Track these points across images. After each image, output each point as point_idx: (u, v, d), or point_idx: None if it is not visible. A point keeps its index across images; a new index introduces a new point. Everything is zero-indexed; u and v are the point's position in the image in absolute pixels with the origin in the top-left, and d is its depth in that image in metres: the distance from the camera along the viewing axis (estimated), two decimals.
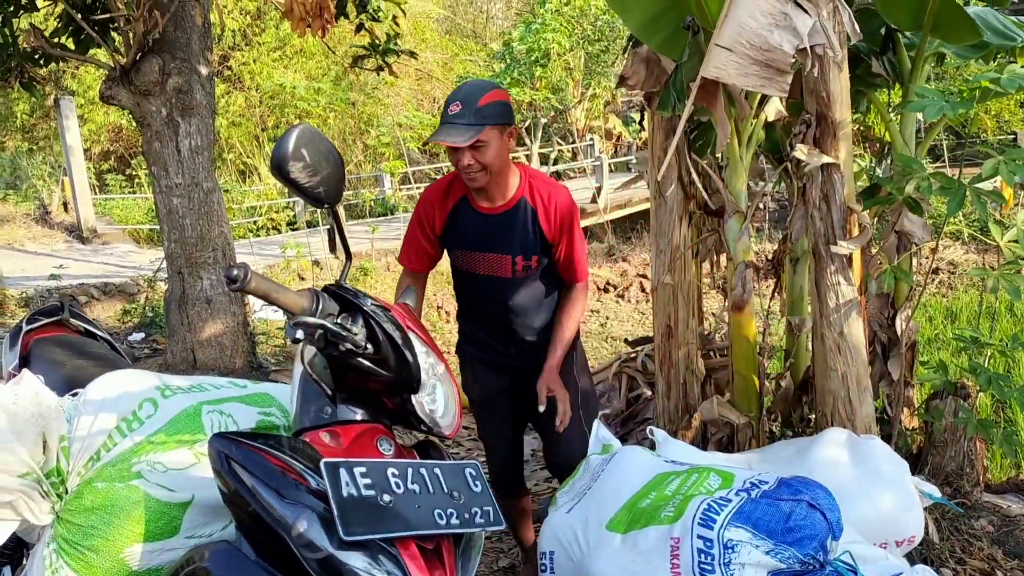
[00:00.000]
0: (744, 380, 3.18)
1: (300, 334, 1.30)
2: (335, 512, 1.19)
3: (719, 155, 3.21)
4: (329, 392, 1.41)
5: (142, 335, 7.00)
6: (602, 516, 1.83)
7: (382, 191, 18.01)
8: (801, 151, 2.65)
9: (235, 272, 1.26)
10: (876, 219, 3.55)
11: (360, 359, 1.35)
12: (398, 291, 2.55)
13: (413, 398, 1.37)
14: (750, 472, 1.83)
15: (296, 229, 14.64)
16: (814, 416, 3.26)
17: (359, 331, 1.36)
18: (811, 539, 1.65)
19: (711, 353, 3.88)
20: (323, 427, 1.38)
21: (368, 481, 1.25)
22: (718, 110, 2.53)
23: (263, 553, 1.29)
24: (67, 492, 1.49)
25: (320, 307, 1.36)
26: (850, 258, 2.74)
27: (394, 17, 6.17)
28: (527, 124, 14.99)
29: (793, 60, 2.32)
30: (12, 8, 5.32)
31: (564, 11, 14.36)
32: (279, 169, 1.36)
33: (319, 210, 12.38)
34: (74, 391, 1.63)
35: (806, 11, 2.29)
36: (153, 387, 1.58)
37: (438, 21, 24.81)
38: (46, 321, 2.23)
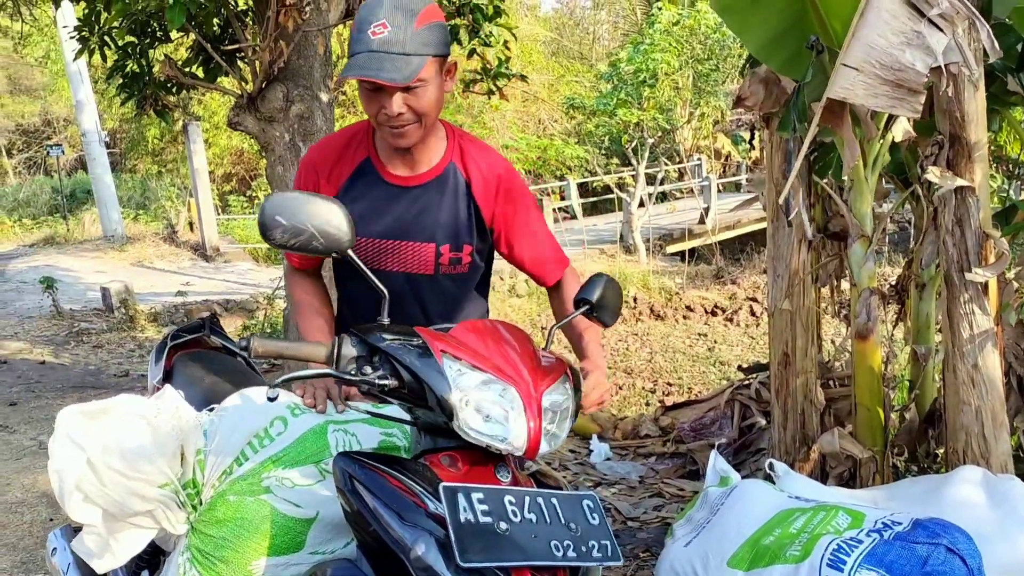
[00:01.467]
0: (868, 412, 3.04)
1: (275, 393, 1.35)
2: (452, 537, 1.19)
3: (845, 177, 3.09)
4: (410, 423, 1.42)
5: None
6: (723, 552, 1.77)
7: None
8: (933, 174, 2.52)
9: (242, 343, 1.35)
10: (1011, 243, 3.34)
11: (392, 396, 1.36)
12: (292, 302, 2.04)
13: (454, 424, 1.31)
14: (882, 512, 1.74)
15: None
16: (943, 452, 3.08)
17: (381, 369, 1.35)
18: None
19: (830, 382, 3.73)
20: (440, 452, 1.39)
21: (485, 508, 1.25)
22: (844, 131, 2.44)
23: (382, 573, 1.31)
24: (201, 503, 1.54)
25: (341, 352, 1.37)
26: (985, 286, 2.58)
27: (505, 42, 6.24)
28: (633, 144, 14.88)
29: (926, 79, 2.22)
30: (148, 40, 5.66)
31: (674, 31, 14.24)
32: (264, 236, 1.47)
33: None
34: (211, 406, 1.70)
35: (941, 29, 2.18)
36: (284, 405, 1.63)
37: (545, 43, 25.04)
38: (188, 338, 2.34)
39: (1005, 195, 4.28)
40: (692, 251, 14.67)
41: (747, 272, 12.89)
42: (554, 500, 1.34)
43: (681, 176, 19.67)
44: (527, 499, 1.31)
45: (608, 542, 1.34)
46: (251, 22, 5.52)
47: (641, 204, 14.88)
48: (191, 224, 14.84)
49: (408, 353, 1.34)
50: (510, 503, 1.29)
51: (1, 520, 3.63)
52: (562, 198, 18.58)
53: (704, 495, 2.03)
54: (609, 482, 4.17)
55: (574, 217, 18.12)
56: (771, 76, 3.17)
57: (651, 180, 15.80)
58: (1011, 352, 3.26)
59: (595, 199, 20.21)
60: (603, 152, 20.88)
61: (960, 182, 2.51)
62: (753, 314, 11.25)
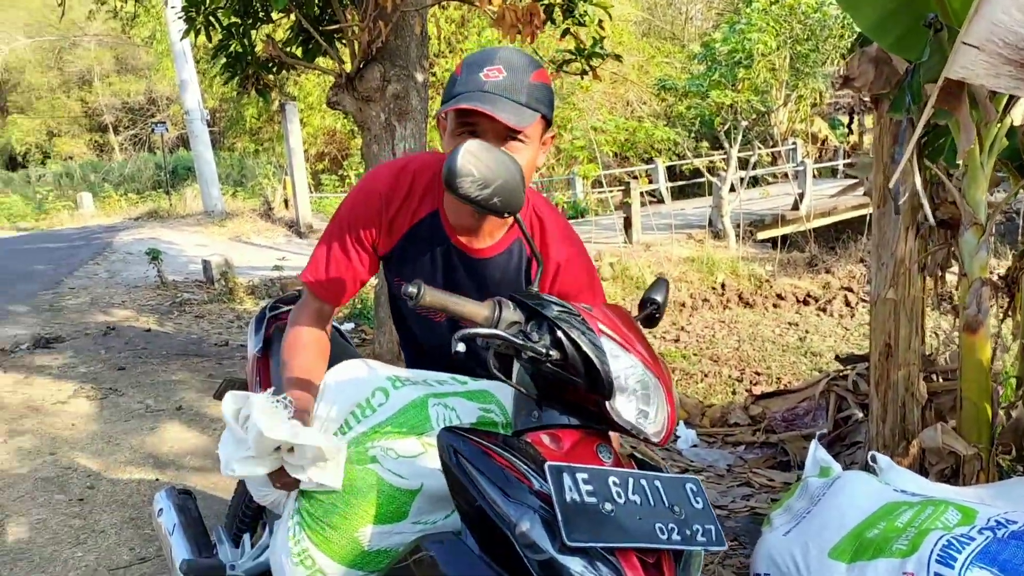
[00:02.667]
0: (974, 407, 2.92)
1: (461, 347, 1.29)
2: (559, 516, 1.19)
3: (959, 163, 2.96)
4: (533, 397, 1.42)
5: (352, 325, 7.45)
6: (824, 543, 1.73)
7: (573, 194, 18.16)
8: None
9: (411, 290, 1.30)
10: None
11: (548, 365, 1.35)
12: (292, 328, 1.86)
13: (609, 404, 1.34)
14: (995, 509, 1.67)
15: None
16: None
17: (542, 339, 1.34)
18: None
19: (933, 376, 3.60)
20: (541, 429, 1.40)
21: (590, 488, 1.25)
22: (961, 114, 2.34)
23: (486, 548, 1.32)
24: None
25: (501, 316, 1.35)
26: None
27: (600, 21, 6.18)
28: (726, 127, 14.54)
29: None
30: (251, 21, 5.81)
31: (772, 10, 13.81)
32: (449, 185, 1.37)
33: None
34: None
35: None
36: (384, 377, 1.65)
37: (636, 23, 24.68)
38: (286, 308, 2.41)
39: None
40: (784, 238, 14.29)
41: (842, 261, 12.50)
42: (657, 483, 1.33)
43: (774, 160, 19.16)
44: (631, 480, 1.30)
45: (712, 527, 1.32)
46: (350, 3, 5.61)
47: (732, 188, 14.57)
48: (286, 201, 15.26)
49: (573, 327, 1.35)
50: (614, 484, 1.28)
51: (111, 478, 3.83)
52: (650, 181, 18.36)
53: (804, 485, 1.98)
54: (696, 469, 4.13)
55: (661, 201, 17.89)
56: (882, 55, 3.05)
57: (743, 164, 15.45)
58: None
59: (683, 183, 19.89)
60: (693, 135, 20.51)
61: None
62: (848, 304, 10.92)
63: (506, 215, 1.46)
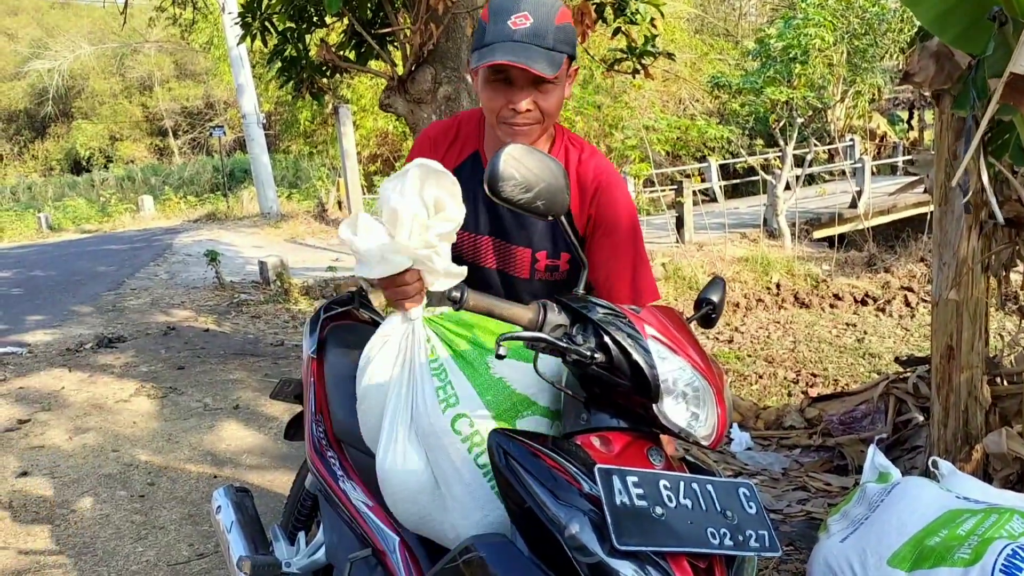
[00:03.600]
0: None
1: (503, 350, 1.29)
2: (608, 519, 1.19)
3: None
4: (581, 399, 1.41)
5: None
6: (882, 550, 1.69)
7: None
8: None
9: (455, 294, 1.31)
10: None
11: (593, 368, 1.34)
12: None
13: (656, 407, 1.32)
14: None
15: None
16: None
17: (588, 341, 1.33)
18: None
19: (998, 379, 3.48)
20: (591, 431, 1.39)
21: (641, 491, 1.24)
22: None
23: (535, 549, 1.32)
24: None
25: (546, 319, 1.35)
26: None
27: (652, 19, 6.13)
28: (781, 124, 14.30)
29: None
30: (305, 25, 5.91)
31: (828, 4, 13.53)
32: (492, 190, 1.36)
33: None
34: None
35: None
36: None
37: (688, 20, 24.42)
38: (340, 310, 2.45)
39: None
40: (841, 237, 14.00)
41: (902, 260, 12.20)
42: (709, 487, 1.31)
43: (831, 158, 18.78)
44: (682, 484, 1.29)
45: (766, 532, 1.30)
46: (402, 6, 5.66)
47: (787, 187, 14.32)
48: (339, 203, 15.47)
49: (619, 330, 1.34)
50: (665, 488, 1.27)
51: (171, 475, 3.93)
52: (703, 180, 18.14)
53: (862, 490, 1.93)
54: (750, 472, 4.06)
55: (714, 200, 17.67)
56: (943, 50, 2.96)
57: (799, 162, 15.17)
58: None
59: (737, 181, 19.62)
60: (747, 133, 20.20)
61: None
62: (908, 304, 10.65)
63: (550, 218, 1.46)
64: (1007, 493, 2.18)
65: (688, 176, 16.93)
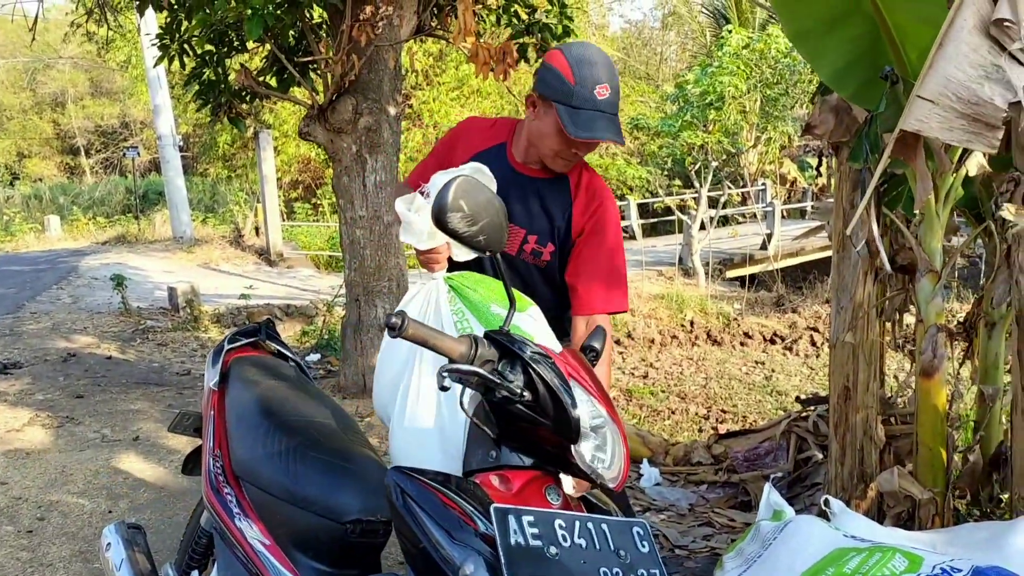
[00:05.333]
0: (930, 452, 2.95)
1: (448, 382, 1.32)
2: (502, 560, 1.19)
3: (916, 211, 3.02)
4: (493, 436, 1.42)
5: (318, 356, 7.39)
6: None
7: None
8: (1008, 211, 2.45)
9: (394, 320, 1.32)
10: None
11: (518, 406, 1.35)
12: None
13: (573, 448, 1.35)
14: (941, 556, 1.68)
15: None
16: (1008, 497, 2.98)
17: (516, 379, 1.35)
18: None
19: (892, 419, 3.63)
20: (492, 470, 1.40)
21: (536, 531, 1.25)
22: (917, 164, 2.40)
23: None
24: None
25: (478, 353, 1.36)
26: None
27: None
28: (697, 167, 14.75)
29: (1004, 114, 2.16)
30: (226, 49, 5.83)
31: (743, 54, 14.10)
32: (438, 220, 1.39)
33: None
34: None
35: (1022, 64, 2.12)
36: None
37: (613, 61, 24.99)
38: (245, 341, 2.39)
39: None
40: (752, 277, 14.43)
41: (809, 301, 12.64)
42: (604, 526, 1.33)
43: (744, 200, 19.41)
44: (577, 524, 1.31)
45: (657, 571, 1.33)
46: (325, 35, 5.65)
47: (702, 227, 14.71)
48: (257, 229, 15.17)
49: (548, 370, 1.36)
50: (560, 527, 1.28)
51: (63, 509, 3.74)
52: (622, 218, 18.50)
53: (756, 528, 1.98)
54: (658, 508, 4.12)
55: (633, 238, 18.02)
56: (842, 105, 3.12)
57: (713, 203, 15.64)
58: None
59: (655, 220, 20.07)
60: (666, 173, 20.73)
61: None
62: (814, 344, 11.02)
63: (488, 253, 1.48)
64: (894, 531, 2.27)
65: None
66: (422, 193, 1.90)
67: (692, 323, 11.94)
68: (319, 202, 19.04)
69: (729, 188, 16.89)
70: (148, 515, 3.70)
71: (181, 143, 16.30)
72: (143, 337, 7.88)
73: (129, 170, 26.25)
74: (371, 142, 5.28)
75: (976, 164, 3.02)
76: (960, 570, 1.59)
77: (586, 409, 1.37)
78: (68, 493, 3.93)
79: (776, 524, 1.94)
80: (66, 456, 4.41)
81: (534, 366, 1.36)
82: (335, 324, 7.75)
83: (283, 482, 1.80)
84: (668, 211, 17.36)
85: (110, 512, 3.73)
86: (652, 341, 11.35)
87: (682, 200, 16.91)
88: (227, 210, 17.82)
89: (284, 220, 16.92)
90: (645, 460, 4.69)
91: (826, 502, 2.19)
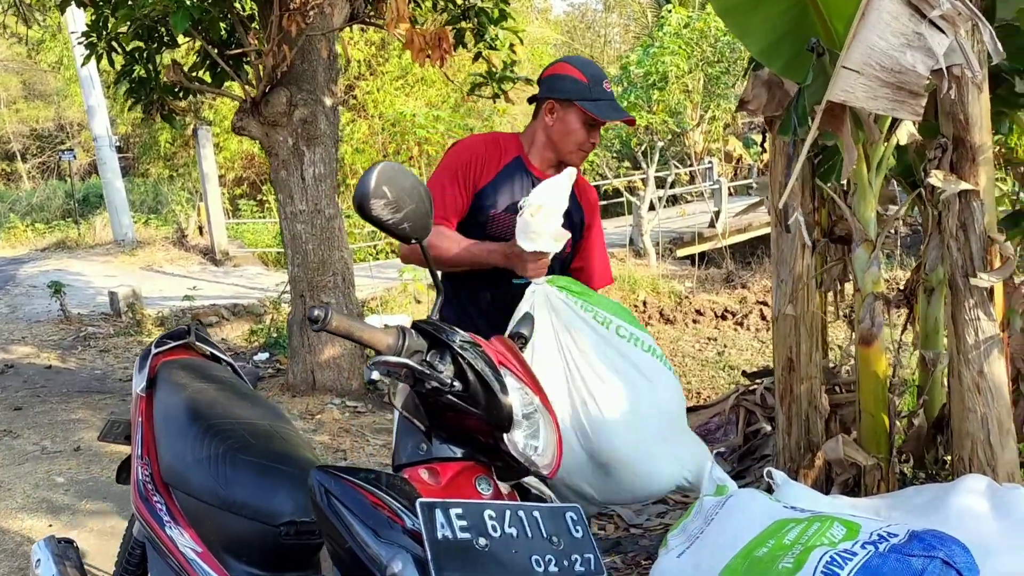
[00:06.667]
0: (872, 419, 3.00)
1: (376, 375, 1.28)
2: (429, 555, 1.16)
3: (845, 181, 3.05)
4: (423, 428, 1.39)
5: (267, 355, 7.27)
6: (715, 564, 1.73)
7: None
8: (936, 177, 2.48)
9: (316, 312, 1.27)
10: (1019, 248, 3.29)
11: (448, 396, 1.32)
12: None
13: (506, 436, 1.33)
14: (878, 523, 1.69)
15: None
16: (950, 459, 3.04)
17: (446, 368, 1.33)
18: None
19: (836, 388, 3.68)
20: (421, 463, 1.36)
21: (464, 523, 1.22)
22: (844, 134, 2.40)
23: None
24: None
25: (406, 344, 1.33)
26: (991, 291, 2.54)
27: (511, 45, 6.22)
28: (643, 148, 14.82)
29: (927, 82, 2.18)
30: (156, 45, 5.67)
31: (683, 33, 14.17)
32: (360, 207, 1.35)
33: None
34: None
35: (942, 31, 2.14)
36: None
37: (556, 47, 25.02)
38: (173, 344, 2.32)
39: (1016, 199, 4.21)
40: (702, 255, 14.57)
41: (758, 276, 12.81)
42: (536, 513, 1.31)
43: (692, 179, 19.58)
44: (508, 513, 1.28)
45: (592, 556, 1.31)
46: (256, 27, 5.52)
47: (651, 207, 14.80)
48: (201, 228, 14.86)
49: (478, 358, 1.33)
50: (490, 518, 1.26)
51: (1, 526, 3.62)
52: None
53: (699, 504, 1.98)
54: None
55: None
56: (774, 79, 3.13)
57: (661, 183, 15.74)
58: (1019, 358, 3.20)
59: (605, 202, 20.11)
60: (613, 155, 20.82)
61: (964, 186, 2.47)
62: (763, 318, 11.17)
63: (413, 241, 1.44)
64: (834, 499, 2.29)
65: None
66: (519, 209, 2.12)
67: (645, 303, 12.02)
68: (265, 198, 18.74)
69: (676, 168, 17.01)
70: (91, 526, 3.60)
71: (120, 143, 15.88)
72: (84, 344, 7.67)
73: (67, 174, 25.55)
74: (308, 134, 5.18)
75: (906, 133, 3.06)
76: (896, 535, 1.60)
77: (517, 397, 1.36)
78: (6, 509, 3.80)
79: (718, 499, 1.94)
80: (4, 471, 4.27)
81: (464, 355, 1.33)
82: (283, 322, 7.63)
83: (213, 487, 1.75)
84: (617, 193, 17.43)
85: (50, 526, 3.61)
86: None
87: (630, 182, 16.98)
88: (170, 211, 17.43)
89: (229, 218, 16.61)
90: None
91: (769, 474, 2.20)
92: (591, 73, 2.33)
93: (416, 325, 1.38)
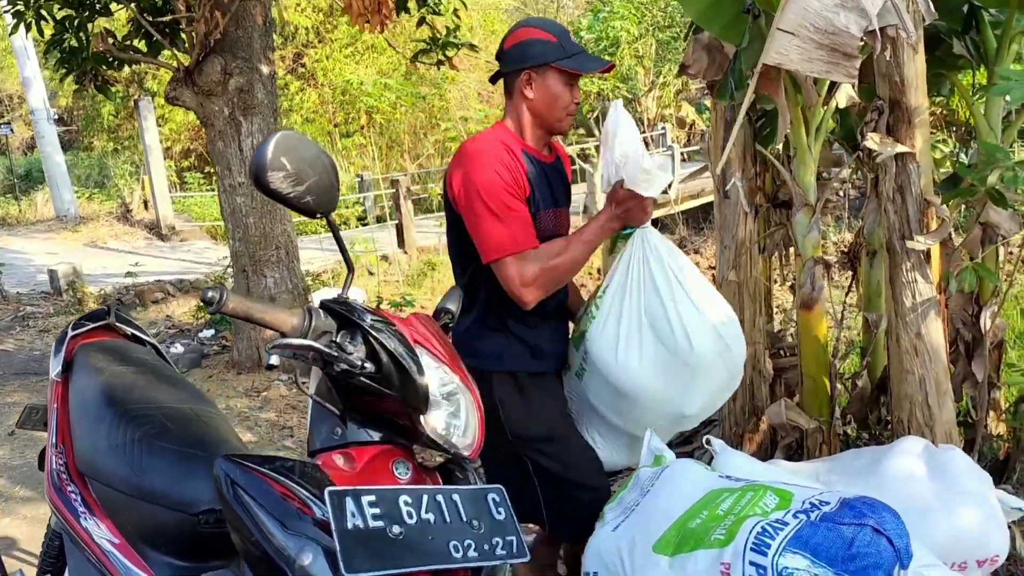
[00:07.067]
0: (814, 382, 3.01)
1: (275, 359, 1.21)
2: (337, 546, 1.10)
3: (782, 145, 3.03)
4: (338, 412, 1.33)
5: (212, 332, 7.13)
6: (649, 536, 1.71)
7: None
8: (873, 140, 2.46)
9: (210, 294, 1.19)
10: (960, 210, 3.31)
11: (360, 378, 1.26)
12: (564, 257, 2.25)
13: (423, 418, 1.27)
14: (810, 491, 1.68)
15: (366, 224, 14.75)
16: (892, 420, 3.07)
17: (356, 350, 1.26)
18: (876, 568, 1.50)
19: (781, 352, 3.70)
20: (336, 449, 1.31)
21: (377, 511, 1.16)
22: (780, 98, 2.37)
23: None
24: None
25: (312, 325, 1.26)
26: (928, 254, 2.54)
27: (455, 10, 6.09)
28: (595, 115, 14.76)
29: (862, 43, 2.14)
30: (87, 13, 5.44)
31: None
32: (257, 180, 1.27)
33: (389, 205, 12.45)
34: None
35: None
36: None
37: (508, 12, 24.71)
38: (92, 326, 2.22)
39: (956, 160, 4.24)
40: (655, 220, 14.60)
41: (710, 241, 12.90)
42: (455, 497, 1.26)
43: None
44: (425, 498, 1.23)
45: (514, 538, 1.27)
46: None
47: None
48: (145, 203, 14.51)
49: (391, 338, 1.27)
50: (405, 504, 1.21)
51: None
52: None
53: (636, 476, 1.96)
54: None
55: None
56: (714, 43, 3.08)
57: None
58: (958, 318, 3.23)
59: None
60: None
61: (900, 148, 2.45)
62: (715, 282, 11.27)
63: (319, 216, 1.37)
64: (771, 466, 2.29)
65: None
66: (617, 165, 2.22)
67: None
68: (212, 170, 18.32)
69: None
70: (24, 513, 3.49)
71: (60, 116, 15.36)
72: (23, 324, 7.45)
73: (5, 148, 24.71)
74: (244, 104, 5.02)
75: (846, 96, 3.03)
76: (828, 503, 1.59)
77: (435, 376, 1.30)
78: None
79: (655, 470, 1.91)
80: None
81: (375, 335, 1.27)
82: None
83: (128, 476, 1.67)
84: (571, 160, 17.41)
85: None
86: None
87: (583, 149, 16.94)
88: (113, 185, 16.97)
89: (175, 191, 16.23)
90: None
91: (708, 441, 2.19)
92: (557, 30, 2.21)
93: (324, 304, 1.31)
